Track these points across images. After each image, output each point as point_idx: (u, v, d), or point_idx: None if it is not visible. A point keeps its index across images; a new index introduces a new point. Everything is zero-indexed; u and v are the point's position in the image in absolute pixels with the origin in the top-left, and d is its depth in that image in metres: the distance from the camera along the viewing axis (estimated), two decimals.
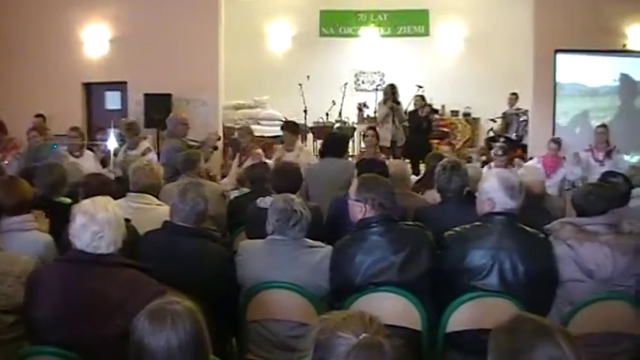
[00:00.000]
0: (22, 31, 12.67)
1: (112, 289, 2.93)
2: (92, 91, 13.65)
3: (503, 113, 13.14)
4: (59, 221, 3.26)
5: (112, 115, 11.71)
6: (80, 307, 2.90)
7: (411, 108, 12.23)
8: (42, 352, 2.85)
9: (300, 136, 8.71)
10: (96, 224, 3.02)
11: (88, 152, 8.50)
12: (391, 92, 11.37)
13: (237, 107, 13.76)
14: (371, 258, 3.72)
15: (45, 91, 12.43)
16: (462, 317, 3.60)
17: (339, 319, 1.98)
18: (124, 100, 13.36)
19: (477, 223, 3.89)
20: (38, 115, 10.71)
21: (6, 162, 7.42)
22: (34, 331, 3.02)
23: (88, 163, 7.83)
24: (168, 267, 3.43)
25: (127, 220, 3.53)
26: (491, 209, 3.84)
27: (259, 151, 8.24)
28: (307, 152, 8.43)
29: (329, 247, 3.95)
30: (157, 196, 4.88)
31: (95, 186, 4.60)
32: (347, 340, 1.90)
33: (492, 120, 13.78)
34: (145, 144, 8.63)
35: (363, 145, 10.75)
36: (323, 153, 6.69)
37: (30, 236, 4.01)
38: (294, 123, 8.77)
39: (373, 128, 10.23)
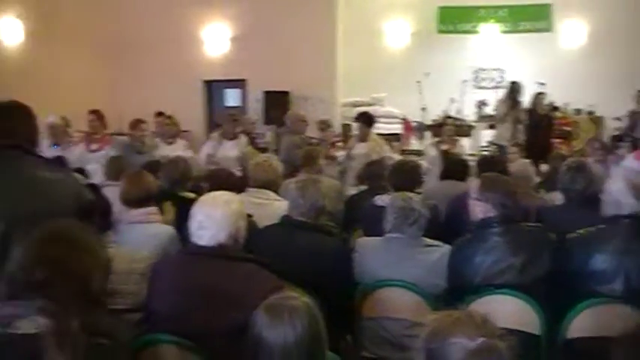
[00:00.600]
0: (145, 29, 13.17)
1: (232, 282, 2.96)
2: (212, 89, 14.04)
3: (630, 112, 12.57)
4: (182, 215, 3.35)
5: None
6: (199, 299, 2.94)
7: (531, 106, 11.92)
8: (161, 341, 2.88)
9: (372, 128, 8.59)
10: (201, 215, 3.07)
11: (180, 140, 8.78)
12: (513, 90, 11.11)
13: (355, 104, 13.75)
14: (491, 258, 3.65)
15: (167, 89, 12.89)
16: (581, 323, 3.46)
17: (449, 322, 1.90)
18: (243, 98, 13.66)
19: (602, 225, 3.74)
20: (159, 114, 11.05)
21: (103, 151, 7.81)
22: (153, 323, 3.06)
23: (179, 150, 8.04)
24: (286, 261, 3.46)
25: (249, 216, 3.59)
26: (618, 211, 3.69)
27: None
28: (380, 144, 8.33)
29: (447, 247, 3.91)
30: (276, 192, 4.96)
31: (219, 180, 4.72)
32: (462, 346, 1.82)
33: (617, 119, 13.21)
34: (244, 140, 8.74)
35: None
36: (444, 175, 6.50)
37: (153, 228, 4.13)
38: (368, 114, 8.70)
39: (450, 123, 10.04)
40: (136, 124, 8.48)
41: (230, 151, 8.08)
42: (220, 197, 3.21)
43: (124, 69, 13.44)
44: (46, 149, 7.66)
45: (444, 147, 9.01)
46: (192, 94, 13.49)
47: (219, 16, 13.36)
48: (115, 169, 5.71)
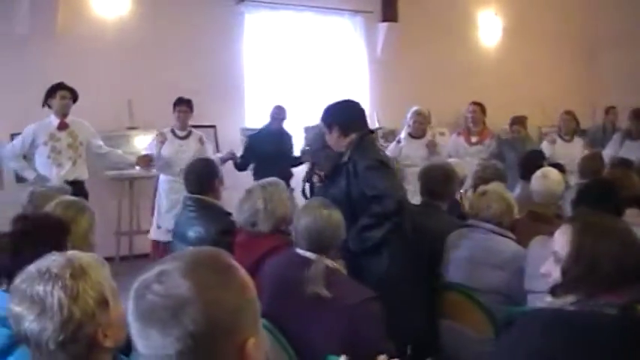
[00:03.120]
0: (623, 26, 12.53)
1: None
2: None
3: None
4: None
5: None
6: None
7: None
8: None
9: None
10: None
11: (577, 139, 8.28)
12: None
13: None
14: None
15: None
16: None
17: None
18: None
19: None
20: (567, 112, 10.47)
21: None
22: None
23: (575, 150, 7.78)
24: None
25: None
26: None
27: None
28: None
29: None
30: None
31: None
32: None
33: None
34: None
35: None
36: None
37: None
38: None
39: None
40: (520, 120, 8.26)
41: None
42: None
43: (597, 67, 13.01)
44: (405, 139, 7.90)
45: None
46: None
47: None
48: (591, 166, 5.63)
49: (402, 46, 10.73)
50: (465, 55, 11.60)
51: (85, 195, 6.40)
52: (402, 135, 8.09)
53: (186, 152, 7.37)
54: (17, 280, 1.84)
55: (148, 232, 7.75)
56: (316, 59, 10.41)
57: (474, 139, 8.10)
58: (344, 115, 4.29)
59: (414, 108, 8.01)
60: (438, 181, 4.68)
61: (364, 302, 2.95)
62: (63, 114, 6.68)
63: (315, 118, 9.00)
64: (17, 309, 1.78)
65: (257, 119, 9.35)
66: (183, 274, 1.30)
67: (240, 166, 7.99)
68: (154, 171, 7.59)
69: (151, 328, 1.27)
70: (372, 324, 2.93)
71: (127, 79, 8.61)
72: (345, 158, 4.15)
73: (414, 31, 10.72)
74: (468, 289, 3.92)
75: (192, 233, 4.32)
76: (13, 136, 7.21)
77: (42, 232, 2.45)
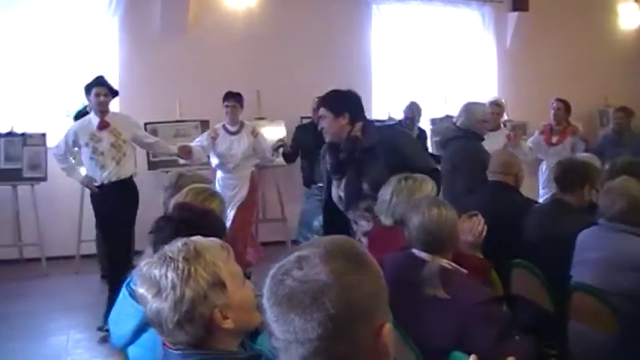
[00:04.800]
0: None
1: None
2: None
3: None
4: None
5: None
6: None
7: None
8: None
9: None
10: None
11: None
12: None
13: None
14: None
15: None
16: None
17: None
18: None
19: None
20: None
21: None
22: None
23: None
24: None
25: None
26: None
27: None
28: None
29: None
30: None
31: None
32: None
33: None
34: None
35: None
36: None
37: None
38: None
39: None
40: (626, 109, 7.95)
41: None
42: None
43: None
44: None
45: None
46: None
47: None
48: None
49: (533, 36, 10.41)
50: (601, 46, 11.07)
51: (134, 190, 6.32)
52: None
53: (238, 147, 7.13)
54: (141, 264, 1.95)
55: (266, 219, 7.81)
56: (444, 51, 10.29)
57: (554, 139, 7.83)
58: (355, 103, 4.45)
59: (493, 98, 7.79)
60: (570, 178, 4.50)
61: (481, 304, 2.89)
62: (101, 111, 6.16)
63: (444, 110, 8.92)
64: (140, 290, 1.89)
65: (384, 112, 9.36)
66: (323, 259, 1.33)
67: (289, 157, 7.54)
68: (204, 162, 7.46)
69: (291, 313, 1.31)
70: (487, 326, 2.84)
71: (256, 70, 8.80)
72: (371, 143, 4.31)
73: (546, 20, 10.37)
74: (598, 291, 3.77)
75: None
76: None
77: (203, 225, 2.52)
